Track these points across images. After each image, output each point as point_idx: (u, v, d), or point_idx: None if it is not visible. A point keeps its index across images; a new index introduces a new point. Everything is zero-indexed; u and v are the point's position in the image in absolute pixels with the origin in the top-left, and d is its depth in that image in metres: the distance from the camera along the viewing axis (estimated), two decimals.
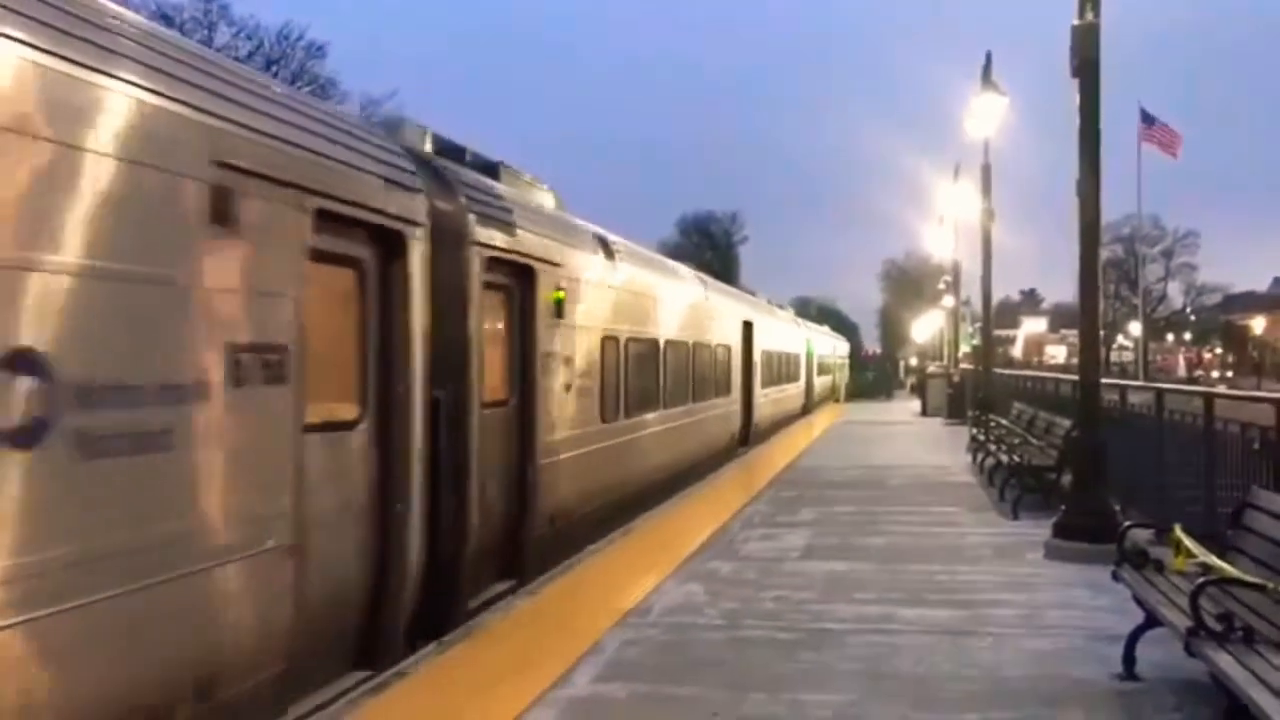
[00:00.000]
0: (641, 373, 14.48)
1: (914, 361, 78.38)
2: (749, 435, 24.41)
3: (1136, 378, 47.23)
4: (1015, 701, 5.80)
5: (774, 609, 7.93)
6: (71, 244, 4.30)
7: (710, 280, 22.62)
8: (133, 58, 4.69)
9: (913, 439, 25.56)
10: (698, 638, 7.16)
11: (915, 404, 39.93)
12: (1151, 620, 6.04)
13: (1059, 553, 9.66)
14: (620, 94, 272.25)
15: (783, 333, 33.33)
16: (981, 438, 17.68)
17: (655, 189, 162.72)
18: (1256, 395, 12.82)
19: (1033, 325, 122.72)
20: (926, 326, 69.69)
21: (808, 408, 38.08)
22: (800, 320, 42.72)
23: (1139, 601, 6.22)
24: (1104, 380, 11.22)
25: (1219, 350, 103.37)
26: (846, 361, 67.73)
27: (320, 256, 6.17)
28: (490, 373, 8.98)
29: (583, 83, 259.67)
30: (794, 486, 15.34)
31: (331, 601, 6.40)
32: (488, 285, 8.92)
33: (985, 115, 23.15)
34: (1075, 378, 12.17)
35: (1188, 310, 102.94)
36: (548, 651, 6.68)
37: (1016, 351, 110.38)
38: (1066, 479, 11.47)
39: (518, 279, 9.81)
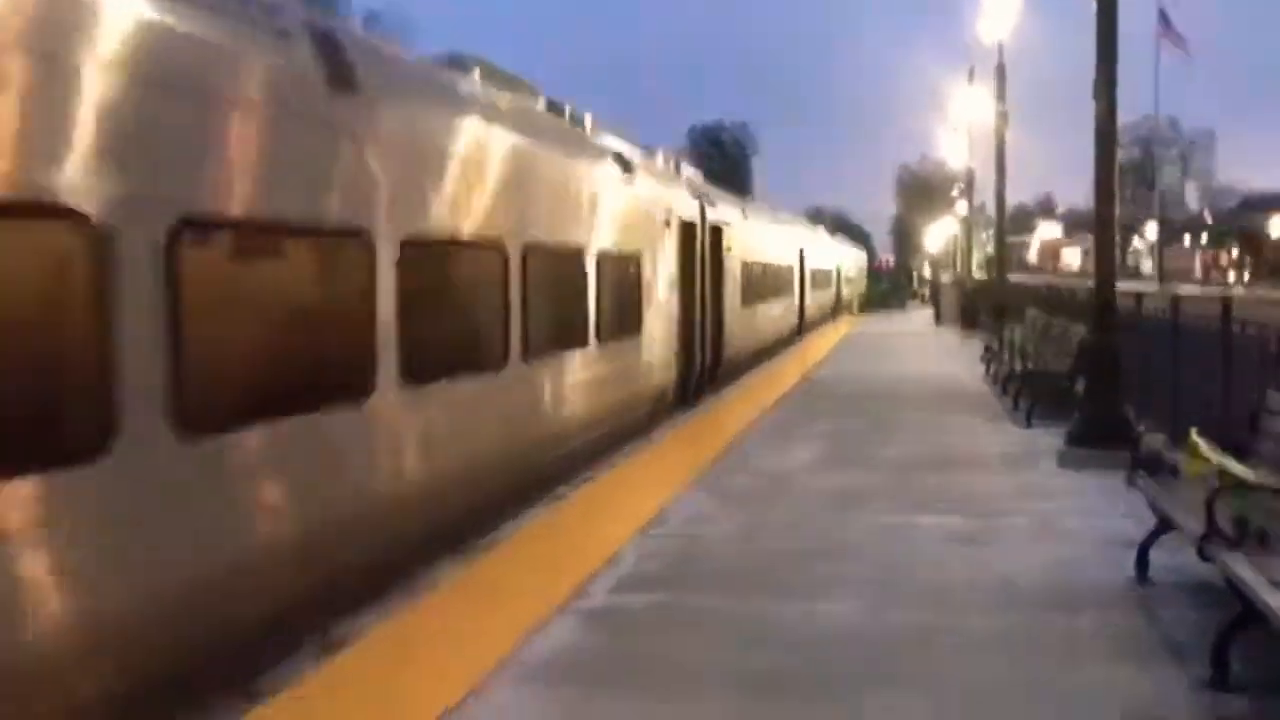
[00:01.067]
0: (756, 281, 23.31)
1: (927, 272, 77.93)
2: (802, 328, 32.34)
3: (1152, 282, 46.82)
4: (1029, 606, 5.86)
5: (789, 520, 7.99)
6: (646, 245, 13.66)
7: (783, 215, 33.65)
8: (669, 179, 16.00)
9: (927, 349, 25.55)
10: (713, 549, 7.23)
11: (929, 313, 39.79)
12: (1165, 525, 6.06)
13: (1073, 460, 9.68)
14: (626, 8, 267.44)
15: (822, 252, 42.10)
16: (995, 346, 17.63)
17: (665, 98, 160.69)
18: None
19: (1048, 230, 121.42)
20: (940, 234, 69.17)
21: (836, 311, 45.61)
22: (833, 240, 50.56)
23: (1153, 507, 6.24)
24: (1119, 286, 11.08)
25: (1235, 253, 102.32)
26: (864, 272, 69.86)
27: (680, 238, 15.23)
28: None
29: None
30: (808, 397, 15.38)
31: (684, 374, 15.39)
32: (709, 241, 17.41)
33: (999, 15, 22.68)
34: (1090, 283, 12.07)
35: (1204, 213, 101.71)
36: (567, 563, 6.76)
37: (1032, 257, 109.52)
38: (1081, 386, 11.45)
39: (715, 234, 18.03)
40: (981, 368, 18.29)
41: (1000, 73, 24.75)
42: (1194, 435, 6.35)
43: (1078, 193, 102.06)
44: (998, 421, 12.64)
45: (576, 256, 10.80)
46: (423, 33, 45.70)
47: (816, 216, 68.40)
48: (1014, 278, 28.44)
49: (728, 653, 5.29)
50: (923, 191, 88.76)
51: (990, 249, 44.10)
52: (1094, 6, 9.80)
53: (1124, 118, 10.10)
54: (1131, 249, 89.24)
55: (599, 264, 11.28)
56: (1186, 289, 38.10)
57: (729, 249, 19.40)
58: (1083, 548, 7.02)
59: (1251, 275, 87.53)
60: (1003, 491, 8.84)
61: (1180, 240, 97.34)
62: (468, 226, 8.16)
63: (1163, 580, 6.12)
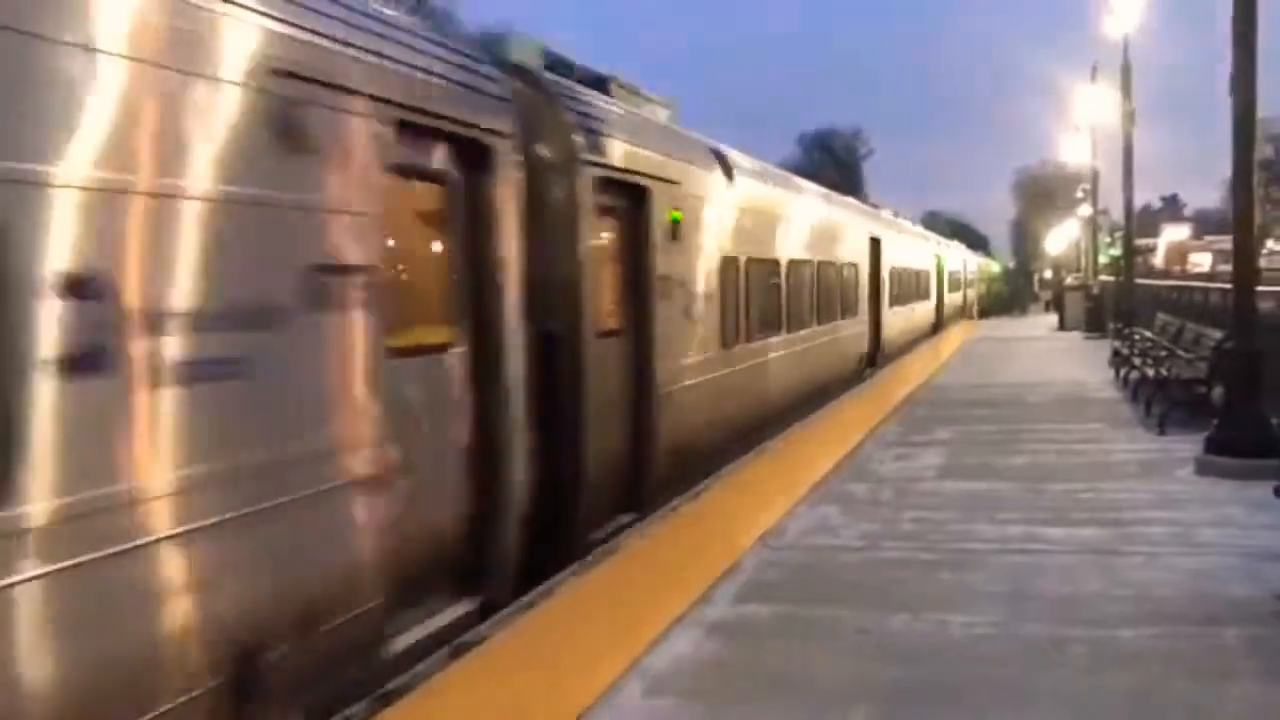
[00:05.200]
0: (905, 283, 29.07)
1: (1048, 275, 75.97)
2: (940, 324, 36.77)
3: None
4: (1169, 620, 5.64)
5: (913, 530, 7.85)
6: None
7: (922, 229, 39.75)
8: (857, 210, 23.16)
9: (1051, 354, 24.85)
10: (836, 559, 7.14)
11: (1051, 319, 38.73)
12: None
13: (1212, 469, 9.30)
14: (734, 9, 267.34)
15: (956, 259, 48.28)
16: (1125, 351, 17.09)
17: (776, 104, 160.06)
18: None
19: (1174, 233, 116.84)
20: (1062, 237, 67.44)
21: (965, 311, 49.72)
22: (964, 248, 57.15)
23: None
24: (1259, 288, 10.62)
25: None
26: (999, 275, 77.09)
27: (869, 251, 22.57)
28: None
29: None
30: (928, 405, 15.10)
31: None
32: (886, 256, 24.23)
33: (1124, 11, 21.99)
34: (1226, 286, 11.60)
35: None
36: (688, 572, 6.74)
37: (1158, 260, 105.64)
38: (1217, 392, 11.01)
39: (886, 249, 24.30)
40: (1109, 373, 17.72)
41: (1126, 71, 24.00)
42: None
43: (1206, 193, 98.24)
44: (1129, 429, 12.22)
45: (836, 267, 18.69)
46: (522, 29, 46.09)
47: (933, 220, 67.46)
48: (1140, 281, 27.46)
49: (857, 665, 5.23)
50: (1043, 194, 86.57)
51: (1114, 251, 42.77)
52: None
53: (1259, 111, 9.68)
54: (1267, 250, 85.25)
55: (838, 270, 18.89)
56: None
57: (894, 259, 25.55)
58: (1224, 560, 6.73)
59: None
60: (1137, 501, 8.53)
61: None
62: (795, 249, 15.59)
63: None
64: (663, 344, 9.71)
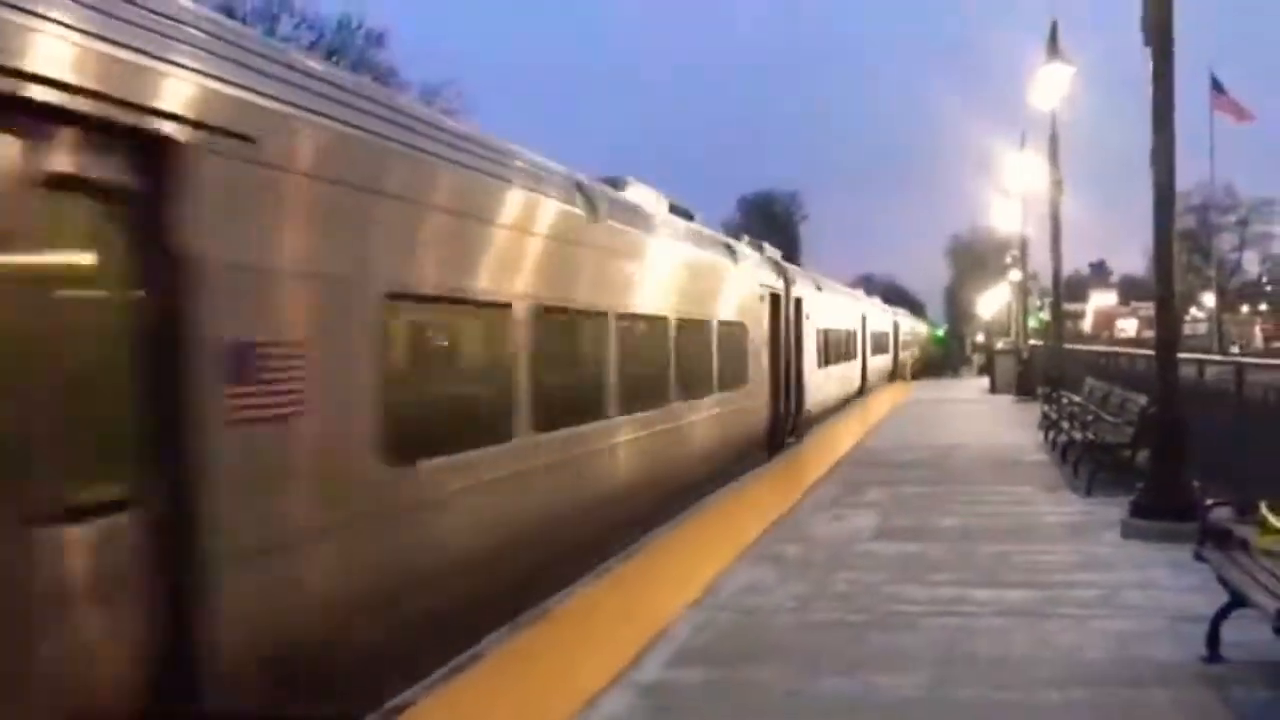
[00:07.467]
0: (824, 345, 26.55)
1: (980, 338, 77.35)
2: (864, 389, 35.73)
3: (1211, 351, 46.00)
4: (1097, 682, 5.69)
5: (845, 591, 7.86)
6: None
7: (851, 291, 41.21)
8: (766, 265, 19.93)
9: (982, 417, 25.21)
10: (768, 621, 7.12)
11: (983, 381, 39.37)
12: (1237, 600, 5.88)
13: (1137, 532, 9.45)
14: (676, 75, 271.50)
15: (880, 320, 47.11)
16: (1053, 415, 17.39)
17: (714, 168, 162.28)
18: None
19: (1102, 298, 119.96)
20: (993, 301, 68.81)
21: (895, 374, 49.80)
22: (894, 310, 57.16)
23: (1223, 581, 6.06)
24: (1181, 355, 10.88)
25: None
26: (931, 336, 79.02)
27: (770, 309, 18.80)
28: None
29: (636, 67, 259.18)
30: (861, 467, 15.20)
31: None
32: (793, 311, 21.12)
33: (1052, 86, 22.67)
34: (1150, 352, 11.88)
35: (1263, 280, 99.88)
36: (619, 636, 6.68)
37: (1086, 325, 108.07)
38: (1143, 456, 11.22)
39: (796, 306, 21.36)
40: (1038, 436, 18.01)
41: (1053, 142, 24.69)
42: (1264, 509, 6.18)
43: (1132, 259, 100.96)
44: (1057, 491, 12.40)
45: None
46: (476, 110, 46.71)
47: (868, 284, 68.57)
48: (1069, 346, 28.05)
49: None
50: (975, 259, 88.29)
51: (1044, 315, 43.71)
52: (1148, 73, 9.75)
53: (1179, 184, 9.99)
54: (1189, 317, 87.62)
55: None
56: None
57: (808, 317, 22.86)
58: (1150, 622, 6.82)
59: None
60: (1065, 563, 8.64)
61: (1238, 309, 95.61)
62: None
63: (1235, 658, 5.91)
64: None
